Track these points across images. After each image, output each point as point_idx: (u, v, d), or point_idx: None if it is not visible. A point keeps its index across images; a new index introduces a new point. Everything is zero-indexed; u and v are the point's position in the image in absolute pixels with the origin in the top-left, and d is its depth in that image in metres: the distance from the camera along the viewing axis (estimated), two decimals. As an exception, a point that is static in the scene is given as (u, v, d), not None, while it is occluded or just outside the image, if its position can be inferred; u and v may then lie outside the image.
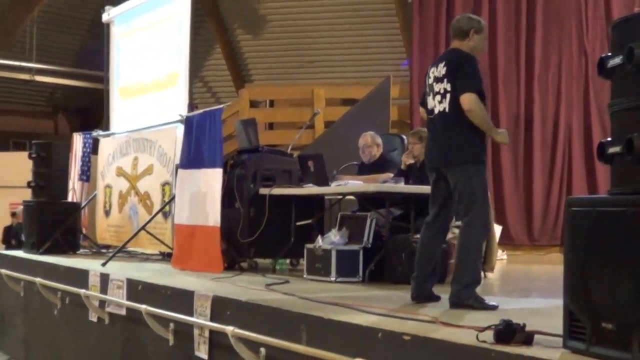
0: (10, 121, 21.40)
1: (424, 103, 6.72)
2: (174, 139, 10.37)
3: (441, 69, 6.34)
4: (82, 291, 9.42)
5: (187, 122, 9.91)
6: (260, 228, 9.28)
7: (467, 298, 6.10)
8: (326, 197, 9.70)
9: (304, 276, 8.53)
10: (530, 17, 13.87)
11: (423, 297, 6.46)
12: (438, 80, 6.36)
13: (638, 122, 4.09)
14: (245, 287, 7.63)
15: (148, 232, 10.62)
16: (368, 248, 8.22)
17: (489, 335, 4.58)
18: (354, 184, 8.79)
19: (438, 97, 6.34)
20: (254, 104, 17.56)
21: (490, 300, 6.18)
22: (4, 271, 12.51)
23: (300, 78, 19.14)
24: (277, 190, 9.31)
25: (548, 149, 13.80)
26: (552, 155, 13.66)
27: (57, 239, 11.88)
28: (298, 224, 9.33)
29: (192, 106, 10.36)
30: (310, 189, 9.09)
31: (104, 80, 13.65)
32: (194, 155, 9.62)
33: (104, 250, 12.12)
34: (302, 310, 6.06)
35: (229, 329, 6.51)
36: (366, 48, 17.81)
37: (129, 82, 12.55)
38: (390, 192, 8.29)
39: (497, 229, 12.12)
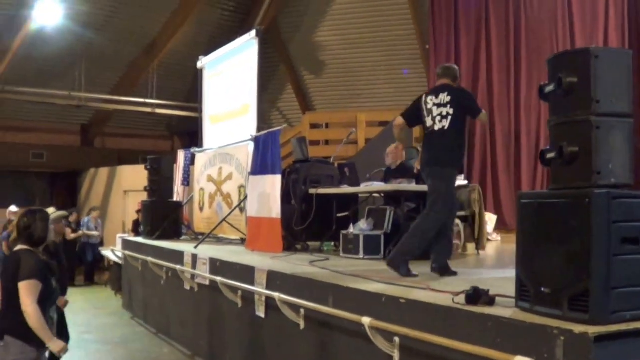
0: (138, 142, 21.77)
1: (407, 117, 6.80)
2: (247, 153, 10.40)
3: (444, 97, 6.40)
4: (178, 267, 9.50)
5: (256, 140, 9.94)
6: (309, 219, 9.26)
7: (399, 263, 6.19)
8: (359, 195, 9.60)
9: (340, 255, 8.47)
10: (517, 53, 13.66)
11: (441, 268, 6.35)
12: (440, 105, 6.41)
13: (566, 133, 4.04)
14: (294, 264, 7.62)
15: (228, 223, 10.67)
16: (388, 233, 8.15)
17: (462, 298, 4.54)
18: (377, 185, 8.72)
19: (438, 118, 6.38)
20: (315, 126, 17.60)
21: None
22: (127, 252, 12.72)
23: (349, 105, 19.17)
24: (321, 190, 9.31)
25: (532, 154, 13.55)
26: (535, 159, 13.40)
27: (165, 228, 11.98)
28: (338, 215, 9.32)
29: (260, 128, 10.33)
30: (345, 189, 9.06)
31: (199, 110, 13.75)
32: (261, 165, 9.63)
33: (199, 237, 12.15)
34: (329, 280, 6.05)
35: (276, 294, 6.51)
36: (398, 82, 17.74)
37: (216, 112, 12.62)
38: (404, 191, 8.21)
39: (492, 217, 11.97)
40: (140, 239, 12.45)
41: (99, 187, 20.89)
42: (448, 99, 6.36)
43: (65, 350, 4.85)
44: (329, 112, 19.38)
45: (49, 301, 4.88)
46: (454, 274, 6.31)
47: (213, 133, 12.65)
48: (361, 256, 8.04)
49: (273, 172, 9.39)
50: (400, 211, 8.41)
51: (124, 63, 19.65)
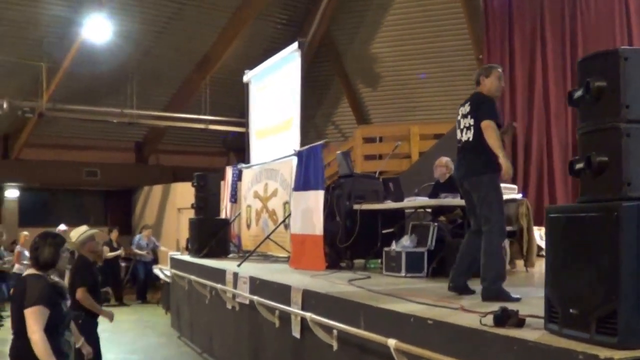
0: (194, 159, 21.85)
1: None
2: (291, 169, 10.32)
3: (466, 108, 6.23)
4: (219, 286, 9.47)
5: (299, 155, 9.86)
6: (353, 235, 9.11)
7: (494, 293, 5.74)
8: (406, 210, 9.42)
9: (383, 273, 8.30)
10: (573, 60, 13.15)
11: (458, 287, 6.17)
12: (464, 116, 6.24)
13: (595, 142, 3.84)
14: (332, 282, 7.51)
15: (272, 240, 10.60)
16: (431, 250, 7.97)
17: (491, 320, 4.36)
18: (420, 200, 8.54)
19: (465, 130, 6.20)
20: (369, 140, 17.44)
21: (517, 293, 5.82)
22: (173, 271, 12.76)
23: (404, 118, 19.02)
24: (365, 206, 9.14)
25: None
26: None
27: (213, 246, 11.95)
28: (383, 232, 9.12)
29: (303, 142, 10.25)
30: (388, 205, 8.89)
31: (245, 125, 13.77)
32: (304, 180, 9.55)
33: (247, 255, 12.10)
34: (361, 300, 5.90)
35: (308, 315, 6.40)
36: (453, 94, 17.45)
37: (261, 126, 12.61)
38: (448, 205, 8.02)
39: (540, 231, 11.60)
40: (186, 257, 12.47)
41: (153, 204, 21.14)
42: (468, 109, 6.17)
43: None
44: (381, 125, 19.23)
45: (60, 326, 4.83)
46: (471, 292, 6.11)
47: (259, 148, 12.64)
48: (403, 274, 7.87)
49: (316, 188, 9.31)
50: (444, 227, 8.25)
51: (177, 79, 19.87)
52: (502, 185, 6.34)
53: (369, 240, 9.22)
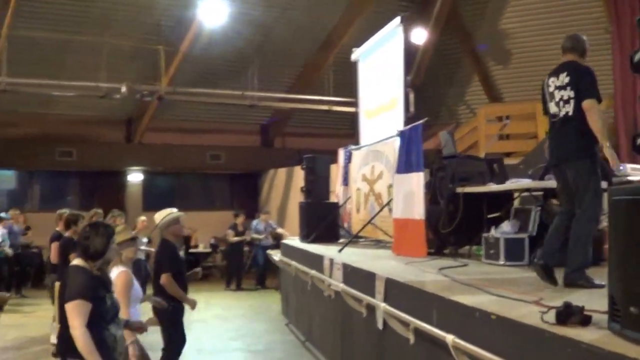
0: (321, 142, 21.69)
1: (545, 110, 6.05)
2: (395, 150, 9.97)
3: (563, 79, 5.79)
4: (312, 272, 9.33)
5: (401, 135, 9.53)
6: (456, 220, 8.69)
7: (577, 279, 5.54)
8: (514, 193, 8.92)
9: (483, 260, 7.89)
10: None
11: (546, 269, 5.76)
12: (560, 88, 5.81)
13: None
14: (422, 270, 7.22)
15: (374, 225, 10.35)
16: (533, 236, 7.48)
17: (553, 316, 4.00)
18: (524, 182, 8.02)
19: (561, 103, 5.78)
20: (499, 120, 16.82)
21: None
22: (282, 257, 12.73)
23: (537, 96, 18.15)
24: (467, 189, 8.68)
25: None
26: None
27: (321, 231, 11.79)
28: (488, 216, 8.65)
29: (407, 122, 9.88)
30: (488, 187, 8.40)
31: (355, 105, 13.51)
32: (405, 162, 9.23)
33: (359, 240, 11.86)
34: (436, 291, 5.58)
35: (382, 305, 6.15)
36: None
37: (369, 106, 12.32)
38: (552, 188, 7.49)
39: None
40: (294, 242, 12.39)
41: (278, 188, 21.24)
42: (567, 79, 5.73)
43: None
44: (506, 104, 18.55)
45: (104, 320, 4.74)
46: (555, 283, 5.69)
47: (368, 129, 12.37)
48: (502, 262, 7.44)
49: (417, 170, 8.97)
50: (551, 211, 7.71)
51: (299, 60, 19.85)
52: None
53: (474, 225, 8.75)
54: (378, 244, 11.15)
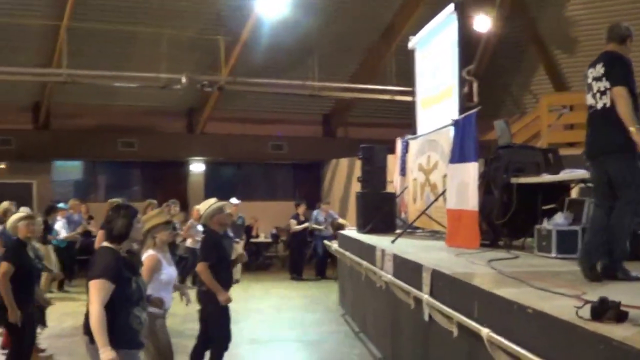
0: (384, 132, 21.46)
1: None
2: (449, 139, 9.83)
3: (599, 69, 5.68)
4: (365, 263, 9.28)
5: (456, 124, 9.40)
6: (510, 212, 8.52)
7: (615, 270, 5.50)
8: (571, 184, 8.72)
9: (535, 252, 7.72)
10: None
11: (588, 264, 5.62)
12: (597, 79, 5.69)
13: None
14: (471, 262, 7.11)
15: (427, 215, 10.25)
16: (586, 228, 7.26)
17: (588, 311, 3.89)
18: (576, 172, 7.81)
19: (598, 95, 5.64)
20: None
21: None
22: (335, 247, 12.72)
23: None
24: (521, 180, 8.52)
25: None
26: None
27: (377, 221, 11.71)
28: (544, 207, 8.47)
29: (462, 111, 9.72)
30: (543, 178, 8.22)
31: (412, 94, 13.36)
32: (459, 151, 9.10)
33: (416, 231, 11.75)
34: (478, 283, 5.49)
35: (424, 297, 6.08)
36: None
37: (426, 95, 12.15)
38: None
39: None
40: (350, 233, 12.35)
41: (340, 178, 21.19)
42: (602, 70, 5.60)
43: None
44: (568, 93, 18.14)
45: (129, 301, 4.79)
46: (598, 279, 5.52)
47: (424, 118, 12.21)
48: (554, 255, 7.27)
49: (470, 160, 8.82)
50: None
51: (361, 50, 19.76)
52: None
53: (529, 216, 8.58)
54: (434, 235, 11.04)
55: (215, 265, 7.31)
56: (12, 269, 7.17)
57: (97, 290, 4.63)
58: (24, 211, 8.68)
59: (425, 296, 6.37)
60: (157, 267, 6.14)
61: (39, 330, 8.81)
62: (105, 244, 4.93)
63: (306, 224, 17.47)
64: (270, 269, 19.52)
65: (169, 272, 6.35)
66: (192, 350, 7.59)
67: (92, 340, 4.68)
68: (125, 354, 4.71)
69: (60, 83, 16.13)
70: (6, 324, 7.27)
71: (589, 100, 5.72)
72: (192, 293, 7.29)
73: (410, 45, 12.88)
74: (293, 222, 17.63)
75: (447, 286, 6.13)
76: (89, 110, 18.94)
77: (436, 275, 6.43)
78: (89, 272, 4.78)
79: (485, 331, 4.52)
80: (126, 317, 4.75)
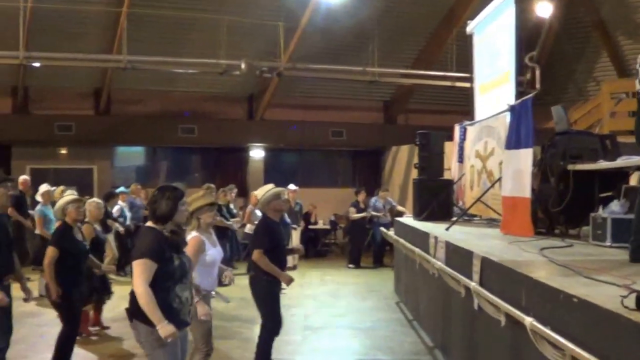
0: (445, 119, 21.28)
1: None
2: (506, 125, 9.66)
3: None
4: (417, 250, 9.20)
5: (512, 110, 9.22)
6: (566, 199, 8.32)
7: None
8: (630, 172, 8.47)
9: (590, 241, 7.53)
10: None
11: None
12: None
13: None
14: (523, 250, 6.93)
15: (483, 203, 10.09)
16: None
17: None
18: (633, 159, 7.58)
19: None
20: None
21: None
22: (390, 234, 12.63)
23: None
24: (578, 166, 8.29)
25: None
26: None
27: (434, 208, 11.59)
28: (601, 195, 8.25)
29: (518, 96, 9.52)
30: (600, 164, 7.98)
31: (471, 80, 13.16)
32: (515, 137, 8.92)
33: (473, 219, 11.60)
34: (526, 272, 5.34)
35: (472, 285, 5.99)
36: None
37: (483, 81, 11.95)
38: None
39: None
40: (406, 220, 12.26)
41: (401, 165, 21.04)
42: None
43: (174, 335, 4.70)
44: (631, 79, 17.58)
45: (170, 280, 4.82)
46: None
47: (482, 104, 12.02)
48: (608, 243, 7.08)
49: (525, 146, 8.64)
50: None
51: (421, 36, 19.65)
52: None
53: (585, 204, 8.37)
54: (490, 223, 10.87)
55: (268, 251, 7.33)
56: (57, 253, 7.32)
57: (141, 270, 4.70)
58: (70, 194, 8.68)
59: (472, 284, 6.27)
60: (201, 248, 6.21)
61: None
62: (149, 223, 4.98)
63: (364, 213, 17.37)
64: (328, 256, 19.51)
65: (213, 253, 6.41)
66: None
67: (131, 318, 4.76)
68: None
69: (120, 69, 16.33)
70: (58, 305, 7.39)
71: (637, 85, 5.56)
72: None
73: (468, 30, 12.72)
74: (352, 209, 17.58)
75: (495, 274, 6.02)
76: (149, 96, 19.19)
77: (486, 262, 6.32)
78: (132, 252, 4.84)
79: (528, 320, 4.42)
80: (167, 296, 4.80)
